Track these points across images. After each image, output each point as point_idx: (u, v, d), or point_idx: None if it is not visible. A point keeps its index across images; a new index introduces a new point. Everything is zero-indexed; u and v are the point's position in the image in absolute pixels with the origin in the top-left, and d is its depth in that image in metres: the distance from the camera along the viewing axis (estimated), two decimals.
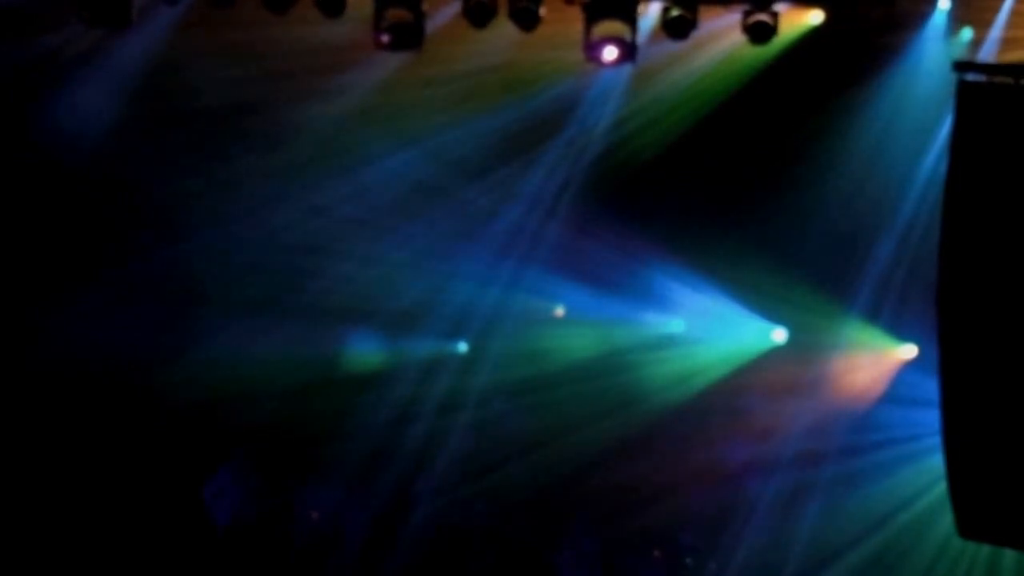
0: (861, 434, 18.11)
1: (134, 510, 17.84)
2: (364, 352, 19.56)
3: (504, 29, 15.44)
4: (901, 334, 18.44)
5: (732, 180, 18.10)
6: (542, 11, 15.25)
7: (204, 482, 18.23)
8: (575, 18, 15.35)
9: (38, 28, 16.40)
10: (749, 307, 18.94)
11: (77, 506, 17.83)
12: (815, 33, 16.45)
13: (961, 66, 13.56)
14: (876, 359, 18.63)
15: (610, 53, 15.35)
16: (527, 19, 15.28)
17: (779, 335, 19.20)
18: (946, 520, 14.36)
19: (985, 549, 16.81)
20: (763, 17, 15.20)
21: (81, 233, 18.39)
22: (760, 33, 15.27)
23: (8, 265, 18.24)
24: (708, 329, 19.20)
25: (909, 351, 18.56)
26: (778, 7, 15.26)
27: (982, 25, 16.16)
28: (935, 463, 14.13)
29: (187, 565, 17.83)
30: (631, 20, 15.21)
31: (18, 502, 17.71)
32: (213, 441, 18.48)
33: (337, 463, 18.76)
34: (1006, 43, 16.07)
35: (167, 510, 17.99)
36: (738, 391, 19.04)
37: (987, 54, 16.06)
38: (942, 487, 13.98)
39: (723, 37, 16.16)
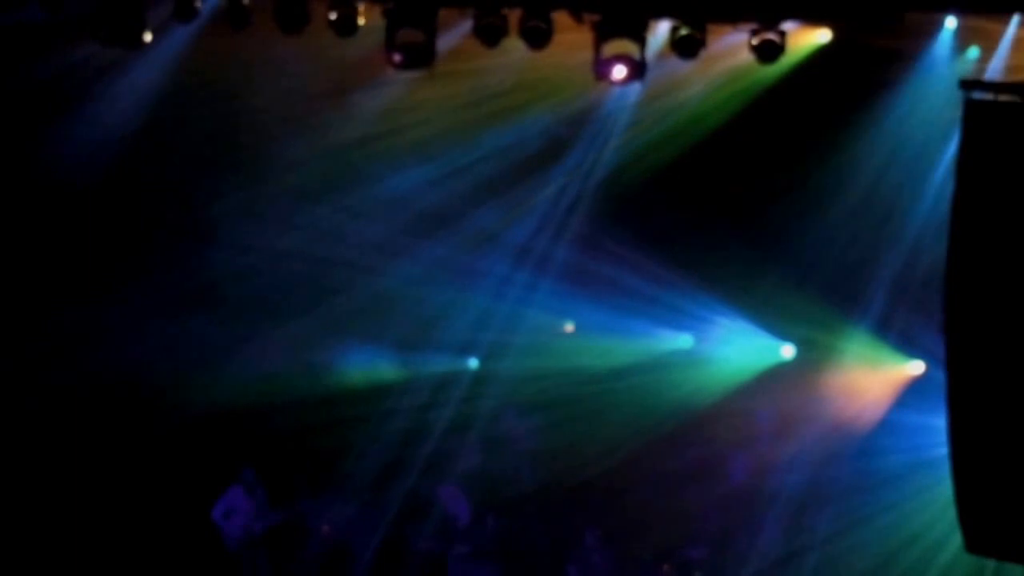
0: (869, 449, 18.15)
1: (147, 522, 17.90)
2: (375, 368, 19.63)
3: (515, 48, 15.50)
4: (908, 351, 18.50)
5: (741, 197, 18.17)
6: (552, 30, 15.31)
7: (214, 503, 18.30)
8: (585, 37, 15.42)
9: (61, 44, 16.51)
10: (758, 323, 19.02)
11: (89, 516, 17.91)
12: (822, 52, 16.53)
13: (968, 84, 13.57)
14: (884, 375, 18.68)
15: (619, 71, 15.38)
16: (537, 38, 15.32)
17: (787, 351, 19.26)
18: (953, 535, 14.38)
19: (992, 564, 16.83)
20: (771, 36, 15.22)
21: (98, 248, 18.48)
22: (768, 52, 15.29)
23: (26, 278, 18.33)
24: (717, 345, 19.28)
25: (916, 367, 18.61)
26: (785, 26, 15.30)
27: (989, 43, 16.21)
28: (942, 478, 14.15)
29: None
30: (640, 39, 15.24)
31: (30, 507, 17.80)
32: (226, 454, 18.54)
33: (349, 477, 18.82)
34: (1013, 61, 16.11)
35: (179, 523, 18.05)
36: (747, 407, 19.10)
37: (994, 72, 16.11)
38: (949, 502, 14.01)
39: (731, 56, 16.22)
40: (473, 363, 19.81)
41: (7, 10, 15.85)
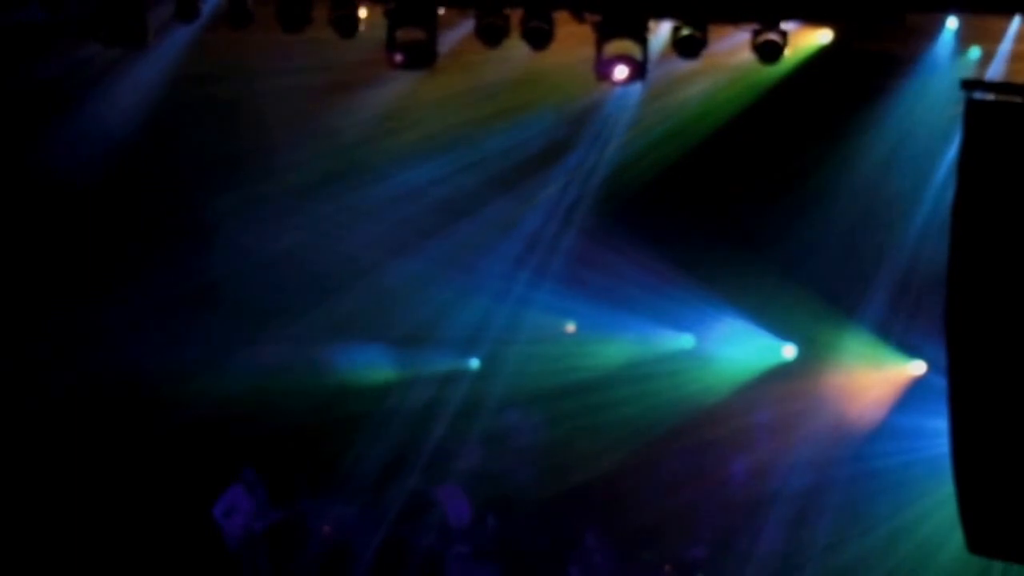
0: (870, 450, 18.15)
1: (147, 522, 17.90)
2: (376, 367, 19.64)
3: (517, 47, 15.51)
4: (910, 350, 18.50)
5: (743, 197, 18.18)
6: (553, 31, 15.31)
7: (214, 502, 18.32)
8: (587, 37, 15.43)
9: (61, 44, 16.51)
10: (759, 323, 19.03)
11: (89, 516, 17.88)
12: (824, 52, 16.54)
13: (969, 84, 13.59)
14: (885, 375, 18.68)
15: (621, 71, 15.38)
16: (538, 38, 15.34)
17: (789, 351, 19.27)
18: (956, 535, 14.40)
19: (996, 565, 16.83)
20: (772, 36, 15.22)
21: (99, 248, 18.48)
22: (769, 52, 15.30)
23: (27, 278, 18.33)
24: (718, 345, 19.29)
25: (918, 367, 18.62)
26: (787, 26, 15.31)
27: (990, 43, 16.22)
28: (944, 478, 14.17)
29: None
30: (642, 39, 15.25)
31: (30, 507, 17.78)
32: (226, 454, 18.55)
33: (349, 476, 18.83)
34: (1014, 61, 16.11)
35: (180, 523, 18.06)
36: (748, 407, 19.10)
37: (995, 72, 16.12)
38: (952, 502, 14.03)
39: (733, 56, 16.22)
40: (474, 363, 19.82)
41: (7, 10, 15.86)
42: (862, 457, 18.16)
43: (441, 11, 15.38)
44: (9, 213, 18.17)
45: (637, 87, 16.52)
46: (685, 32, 15.22)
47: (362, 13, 15.43)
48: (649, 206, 18.58)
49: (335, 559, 18.36)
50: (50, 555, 17.47)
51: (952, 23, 16.20)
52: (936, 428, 14.96)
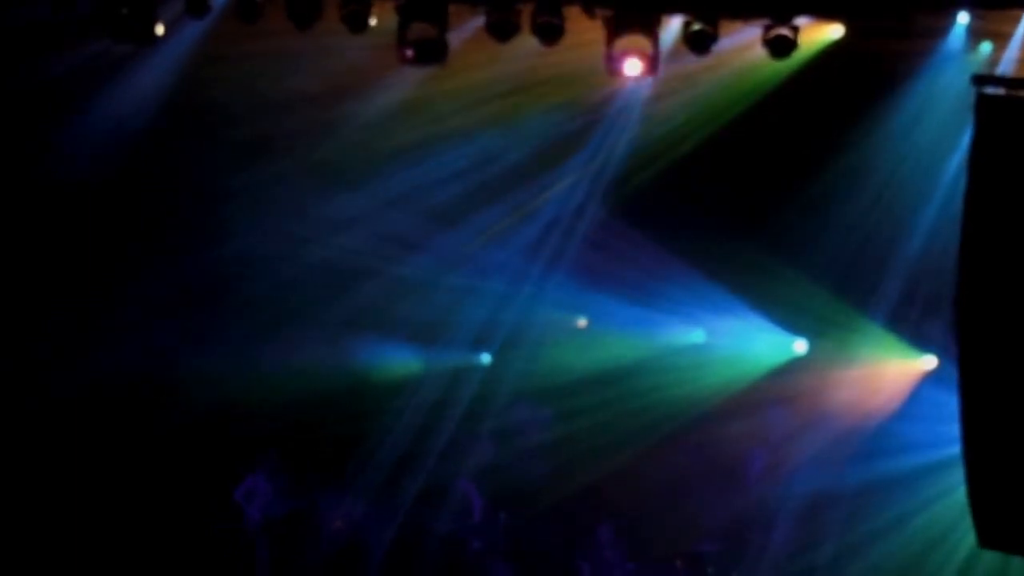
0: (881, 444, 18.15)
1: (151, 524, 17.97)
2: (387, 363, 19.66)
3: (528, 43, 15.53)
4: (921, 345, 18.50)
5: (753, 192, 18.19)
6: (565, 25, 15.33)
7: (236, 486, 18.38)
8: (598, 32, 15.45)
9: (66, 41, 16.53)
10: (770, 318, 19.04)
11: (90, 518, 17.95)
12: (835, 47, 16.53)
13: (980, 79, 13.56)
14: (896, 370, 18.68)
15: (632, 67, 15.41)
16: (549, 33, 15.35)
17: (800, 346, 19.27)
18: (967, 530, 14.39)
19: (1004, 558, 16.80)
20: (783, 31, 15.25)
21: (105, 246, 18.50)
22: (780, 47, 15.32)
23: (38, 276, 18.37)
24: (730, 340, 19.30)
25: (929, 362, 18.61)
26: (798, 21, 15.31)
27: (1001, 39, 16.21)
28: (955, 473, 14.15)
29: (209, 572, 18.00)
30: (653, 34, 15.29)
31: (34, 510, 17.84)
32: (239, 450, 18.59)
33: (361, 472, 18.86)
34: None
35: (184, 523, 18.11)
36: (759, 402, 19.11)
37: (1006, 67, 16.10)
38: (962, 497, 14.02)
39: (744, 51, 16.23)
40: (486, 358, 19.85)
41: (15, 7, 15.90)
42: (875, 452, 18.16)
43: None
44: (17, 211, 18.20)
45: (648, 81, 16.51)
46: (696, 27, 15.24)
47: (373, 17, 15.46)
48: (660, 201, 18.59)
49: (346, 554, 18.39)
50: (52, 555, 17.50)
51: (963, 18, 16.19)
52: (947, 422, 14.94)
